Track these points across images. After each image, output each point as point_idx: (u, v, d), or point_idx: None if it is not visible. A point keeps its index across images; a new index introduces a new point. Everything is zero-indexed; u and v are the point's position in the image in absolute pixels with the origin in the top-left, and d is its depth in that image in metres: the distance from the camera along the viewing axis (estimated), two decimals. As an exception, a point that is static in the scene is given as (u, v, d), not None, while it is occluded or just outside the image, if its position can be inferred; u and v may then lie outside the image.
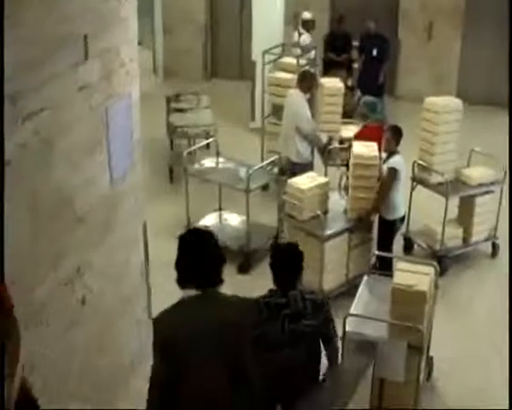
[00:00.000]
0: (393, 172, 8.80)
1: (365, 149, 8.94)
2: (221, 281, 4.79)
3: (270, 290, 5.66)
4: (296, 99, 10.40)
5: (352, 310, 7.07)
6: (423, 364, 7.03)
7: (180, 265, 4.81)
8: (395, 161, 8.84)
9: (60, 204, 5.55)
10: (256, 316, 5.37)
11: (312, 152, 10.84)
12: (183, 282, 4.77)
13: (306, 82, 10.48)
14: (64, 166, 5.55)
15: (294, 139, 10.33)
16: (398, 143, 8.96)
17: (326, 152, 10.63)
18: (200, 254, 4.76)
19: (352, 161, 8.99)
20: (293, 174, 9.77)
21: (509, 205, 10.18)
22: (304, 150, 10.45)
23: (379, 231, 9.16)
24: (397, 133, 8.95)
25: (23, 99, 4.85)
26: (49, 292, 5.46)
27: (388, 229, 9.05)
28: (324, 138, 10.69)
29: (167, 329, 4.66)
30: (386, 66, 15.37)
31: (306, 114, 10.32)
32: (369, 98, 12.77)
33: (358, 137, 10.04)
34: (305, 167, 10.18)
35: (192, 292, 4.71)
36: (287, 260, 5.71)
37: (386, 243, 8.97)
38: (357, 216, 8.98)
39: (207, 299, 4.70)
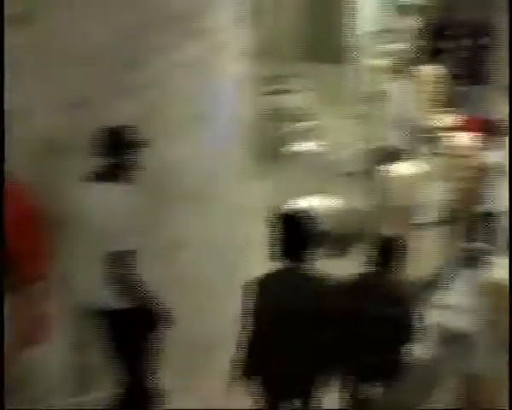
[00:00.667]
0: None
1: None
2: (313, 258, 5.10)
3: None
4: (399, 87, 10.37)
5: (445, 301, 7.04)
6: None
7: (276, 240, 5.04)
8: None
9: (164, 179, 5.69)
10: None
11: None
12: (277, 255, 5.05)
13: (406, 70, 10.43)
14: (168, 141, 5.67)
15: (392, 127, 10.30)
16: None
17: (426, 140, 10.58)
18: (295, 231, 5.03)
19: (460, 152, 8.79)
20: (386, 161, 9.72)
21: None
22: (399, 139, 10.38)
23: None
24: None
25: (130, 73, 4.98)
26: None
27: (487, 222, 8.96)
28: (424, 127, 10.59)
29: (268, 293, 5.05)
30: (491, 56, 15.09)
31: (410, 102, 10.26)
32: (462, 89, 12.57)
33: (459, 128, 9.90)
34: (397, 155, 10.13)
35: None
36: (389, 251, 5.86)
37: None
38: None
39: (298, 272, 5.06)
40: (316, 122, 11.47)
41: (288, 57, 17.69)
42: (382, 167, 9.38)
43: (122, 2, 5.41)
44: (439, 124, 11.06)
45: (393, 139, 10.32)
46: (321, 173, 10.55)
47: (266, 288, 5.08)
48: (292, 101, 12.66)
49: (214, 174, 6.70)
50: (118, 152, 5.11)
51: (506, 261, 6.95)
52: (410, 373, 6.00)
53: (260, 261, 5.57)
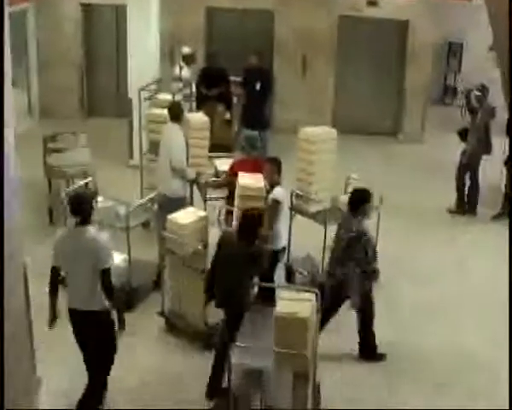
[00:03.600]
0: (276, 204, 8.93)
1: (252, 181, 8.99)
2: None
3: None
4: (171, 132, 10.43)
5: (238, 341, 7.13)
6: (310, 391, 7.11)
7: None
8: (278, 191, 8.98)
9: None
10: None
11: (191, 187, 10.94)
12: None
13: (175, 113, 10.51)
14: None
15: (168, 174, 10.34)
16: (279, 174, 9.12)
17: (197, 186, 10.77)
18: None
19: (238, 193, 8.98)
20: (169, 210, 9.69)
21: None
22: (177, 185, 10.45)
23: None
24: (278, 165, 9.10)
25: None
26: None
27: (272, 259, 9.11)
28: (193, 173, 10.68)
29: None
30: (270, 99, 15.61)
31: (180, 146, 10.34)
32: (249, 133, 12.83)
33: (233, 170, 10.08)
34: (179, 202, 10.18)
35: None
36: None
37: (268, 273, 8.98)
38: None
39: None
40: (96, 177, 11.34)
41: (68, 114, 17.52)
42: (163, 216, 9.40)
43: None
44: (214, 168, 11.19)
45: (168, 187, 10.36)
46: (105, 228, 10.40)
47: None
48: (72, 158, 12.45)
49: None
50: None
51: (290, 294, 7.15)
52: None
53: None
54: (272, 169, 9.08)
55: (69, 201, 7.55)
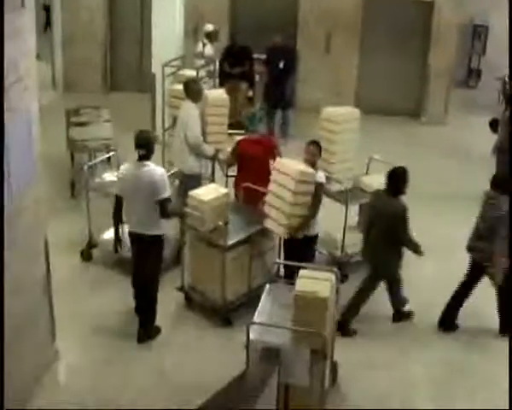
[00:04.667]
0: (321, 187, 8.90)
1: (301, 166, 8.78)
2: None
3: None
4: (187, 110, 10.45)
5: (255, 318, 7.17)
6: (327, 369, 7.14)
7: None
8: (320, 175, 8.92)
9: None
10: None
11: (213, 163, 10.97)
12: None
13: (192, 91, 10.50)
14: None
15: (184, 151, 10.38)
16: (320, 157, 9.09)
17: (218, 163, 10.82)
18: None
19: (292, 177, 8.81)
20: (187, 187, 9.77)
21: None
22: (192, 162, 10.51)
23: (301, 247, 8.97)
24: (318, 148, 9.03)
25: None
26: None
27: (312, 243, 9.13)
28: (211, 150, 10.70)
29: None
30: (293, 78, 15.60)
31: (194, 126, 10.34)
32: (249, 110, 12.81)
33: (238, 148, 10.11)
34: (195, 179, 10.29)
35: None
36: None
37: (310, 257, 8.97)
38: (289, 234, 8.79)
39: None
40: (119, 151, 11.37)
41: (91, 88, 17.58)
42: (182, 192, 9.42)
43: None
44: (228, 146, 11.12)
45: (184, 164, 10.40)
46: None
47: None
48: (95, 132, 12.50)
49: (14, 211, 6.55)
50: None
51: (309, 273, 7.17)
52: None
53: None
54: (314, 152, 9.00)
55: (135, 137, 8.24)
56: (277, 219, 8.77)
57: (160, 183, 8.12)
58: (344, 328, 8.83)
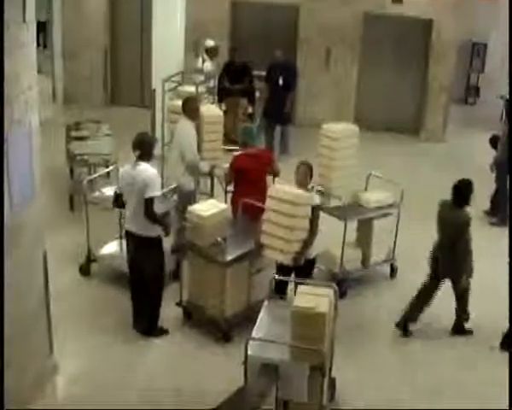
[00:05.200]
0: (319, 209, 8.89)
1: (296, 190, 8.69)
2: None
3: None
4: (182, 127, 10.43)
5: (254, 334, 7.15)
6: (326, 385, 7.13)
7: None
8: (315, 197, 8.90)
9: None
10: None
11: (211, 179, 10.99)
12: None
13: (189, 109, 10.49)
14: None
15: (177, 167, 10.38)
16: (311, 178, 9.07)
17: (218, 180, 10.87)
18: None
19: (289, 202, 8.71)
20: (180, 202, 9.93)
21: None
22: (184, 179, 10.45)
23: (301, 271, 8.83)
24: (310, 169, 9.01)
25: None
26: None
27: (311, 263, 9.09)
28: (206, 167, 10.70)
29: None
30: (293, 94, 15.64)
31: (189, 143, 10.32)
32: (247, 126, 12.79)
33: (235, 164, 10.11)
34: (187, 196, 10.33)
35: None
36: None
37: (309, 274, 8.97)
38: (294, 259, 8.68)
39: None
40: (119, 166, 11.37)
41: (92, 102, 17.62)
42: (190, 207, 9.41)
43: None
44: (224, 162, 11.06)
45: (178, 180, 10.41)
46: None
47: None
48: (95, 146, 12.53)
49: (14, 224, 6.56)
50: None
51: (308, 289, 7.16)
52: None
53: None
54: (304, 173, 8.97)
55: (133, 139, 8.66)
56: (277, 246, 8.69)
57: (148, 181, 8.38)
58: (405, 328, 9.26)
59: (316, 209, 8.74)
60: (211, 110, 11.56)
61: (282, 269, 8.75)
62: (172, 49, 14.26)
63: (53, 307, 7.98)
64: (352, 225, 10.41)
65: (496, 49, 19.82)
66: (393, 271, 10.74)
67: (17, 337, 6.85)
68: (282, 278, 8.34)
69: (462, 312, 9.42)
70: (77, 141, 12.67)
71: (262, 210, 8.84)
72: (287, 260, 8.67)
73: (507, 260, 9.17)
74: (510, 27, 15.41)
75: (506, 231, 10.84)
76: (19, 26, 6.47)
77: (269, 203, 8.75)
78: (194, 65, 15.19)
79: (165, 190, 10.49)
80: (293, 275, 8.72)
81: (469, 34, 19.86)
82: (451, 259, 8.99)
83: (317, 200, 8.86)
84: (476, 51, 21.11)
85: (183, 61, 14.67)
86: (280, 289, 8.60)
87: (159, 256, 8.81)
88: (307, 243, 8.68)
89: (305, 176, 8.89)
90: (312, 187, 9.70)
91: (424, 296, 9.31)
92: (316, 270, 9.81)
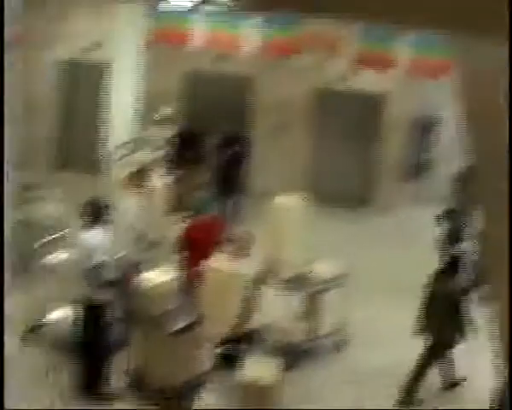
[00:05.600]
0: (258, 282, 8.94)
1: (227, 264, 8.92)
2: None
3: None
4: (128, 201, 10.52)
5: (200, 405, 7.14)
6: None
7: None
8: (254, 270, 8.96)
9: None
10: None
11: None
12: None
13: (135, 183, 10.62)
14: None
15: (127, 236, 10.40)
16: (251, 249, 9.15)
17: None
18: None
19: (223, 275, 8.85)
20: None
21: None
22: (133, 248, 10.45)
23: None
24: (251, 239, 9.07)
25: None
26: None
27: (256, 335, 9.12)
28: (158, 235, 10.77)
29: None
30: (244, 165, 15.79)
31: (135, 217, 10.41)
32: (199, 195, 12.88)
33: (187, 233, 10.17)
34: (135, 264, 10.30)
35: None
36: None
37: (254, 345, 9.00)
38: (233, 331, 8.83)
39: None
40: (66, 231, 11.35)
41: (43, 165, 17.51)
42: (136, 278, 9.41)
43: None
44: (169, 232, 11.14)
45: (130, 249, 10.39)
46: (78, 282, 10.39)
47: None
48: (45, 211, 12.48)
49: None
50: None
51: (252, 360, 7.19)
52: None
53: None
54: (243, 243, 9.06)
55: (83, 204, 9.07)
56: (215, 317, 8.80)
57: (93, 248, 8.67)
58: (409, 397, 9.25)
59: (254, 282, 8.81)
60: (159, 182, 11.63)
61: (228, 340, 8.76)
62: (125, 117, 14.38)
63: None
64: (300, 297, 10.46)
65: (448, 126, 20.19)
66: (340, 343, 10.77)
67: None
68: (226, 351, 8.35)
69: None
70: (27, 205, 12.57)
71: None
72: (226, 334, 8.69)
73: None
74: (510, 30, 15.70)
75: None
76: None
77: (206, 276, 8.86)
78: (147, 133, 15.29)
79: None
80: (239, 346, 8.73)
81: (421, 110, 20.22)
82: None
83: (252, 273, 8.91)
84: (427, 127, 21.44)
85: (135, 129, 14.78)
86: (228, 360, 8.59)
87: (105, 323, 8.74)
88: (243, 316, 8.69)
89: (243, 246, 9.00)
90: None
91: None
92: (263, 342, 9.86)
